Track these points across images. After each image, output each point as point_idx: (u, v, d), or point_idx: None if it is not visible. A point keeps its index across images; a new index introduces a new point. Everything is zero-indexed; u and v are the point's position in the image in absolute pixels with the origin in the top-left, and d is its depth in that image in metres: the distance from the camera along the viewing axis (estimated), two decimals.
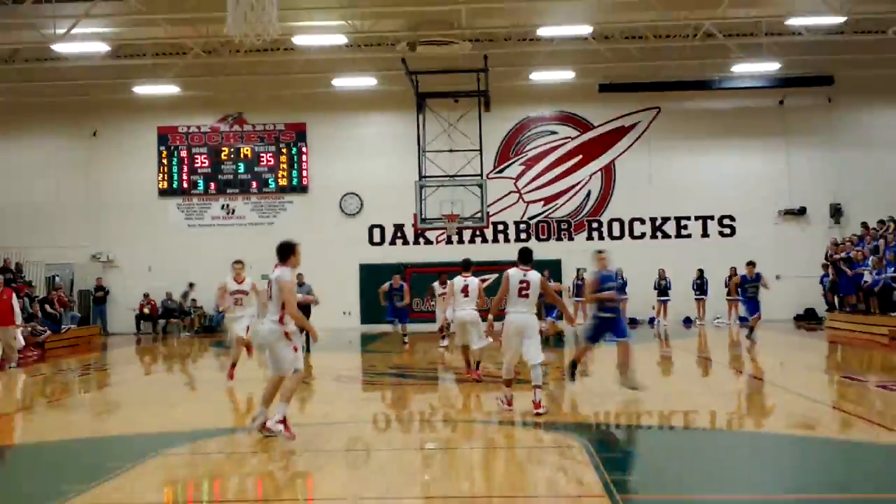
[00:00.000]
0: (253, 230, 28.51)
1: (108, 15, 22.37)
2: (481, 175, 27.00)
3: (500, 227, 28.74)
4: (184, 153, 29.22)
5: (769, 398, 12.14)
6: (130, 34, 23.78)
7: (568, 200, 28.94)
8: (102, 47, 23.94)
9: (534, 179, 29.06)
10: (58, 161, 29.20)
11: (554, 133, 29.19)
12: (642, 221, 28.73)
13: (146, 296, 28.15)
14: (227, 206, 29.19)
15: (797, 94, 28.06)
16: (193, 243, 28.56)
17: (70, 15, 22.03)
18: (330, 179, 28.83)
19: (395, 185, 27.59)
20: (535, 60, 26.33)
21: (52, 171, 29.09)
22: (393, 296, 20.51)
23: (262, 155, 29.16)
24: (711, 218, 28.63)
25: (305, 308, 22.34)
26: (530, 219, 28.91)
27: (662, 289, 27.35)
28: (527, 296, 10.10)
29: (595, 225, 28.85)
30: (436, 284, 19.84)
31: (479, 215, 26.54)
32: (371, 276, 27.12)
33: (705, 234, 28.67)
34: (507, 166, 29.02)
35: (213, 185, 29.18)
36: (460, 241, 28.34)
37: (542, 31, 23.68)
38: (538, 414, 9.78)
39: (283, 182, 29.12)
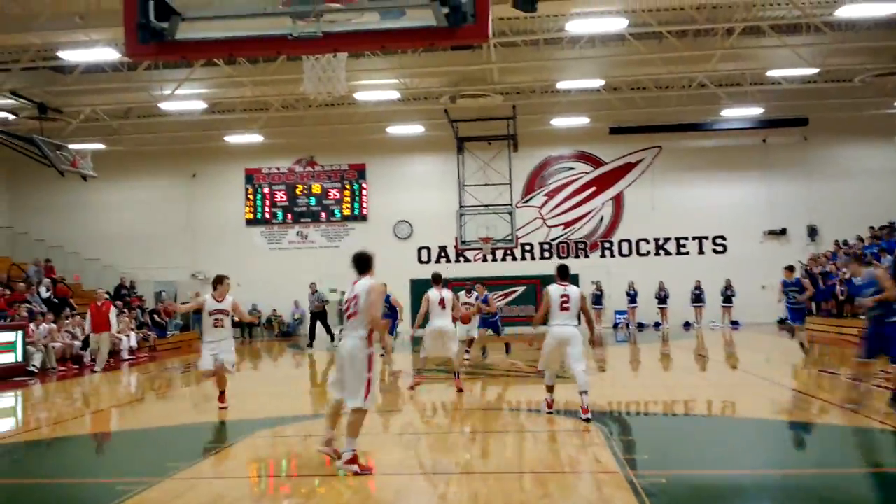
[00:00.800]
0: (322, 252, 28.83)
1: (204, 79, 22.85)
2: (511, 204, 27.11)
3: (527, 247, 28.70)
4: (266, 189, 29.64)
5: (757, 388, 12.03)
6: (223, 94, 24.22)
7: (584, 224, 28.84)
8: (200, 105, 24.43)
9: (555, 207, 29.00)
10: (164, 198, 29.80)
11: (572, 168, 29.14)
12: (647, 241, 28.54)
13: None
14: (301, 232, 29.52)
15: (777, 133, 27.78)
16: (274, 263, 28.92)
17: (174, 79, 22.58)
18: (385, 209, 29.04)
19: (440, 213, 27.72)
20: (556, 109, 26.37)
21: (159, 206, 29.68)
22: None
23: (329, 190, 29.47)
24: (706, 238, 28.36)
25: (321, 313, 22.84)
26: (552, 240, 28.84)
27: (662, 298, 27.22)
28: (568, 308, 9.14)
29: (607, 245, 28.71)
30: (462, 293, 17.98)
31: (509, 238, 26.62)
32: (419, 289, 27.34)
33: (701, 252, 28.39)
34: (533, 196, 29.00)
35: (289, 215, 29.55)
36: (493, 259, 28.38)
37: (561, 85, 23.74)
38: (587, 420, 8.80)
39: (346, 212, 29.39)
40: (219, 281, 10.85)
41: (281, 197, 29.56)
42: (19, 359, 16.60)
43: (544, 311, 9.26)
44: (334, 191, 29.44)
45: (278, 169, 29.61)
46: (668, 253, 28.45)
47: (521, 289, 27.81)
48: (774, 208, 27.77)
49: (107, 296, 20.21)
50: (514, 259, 28.59)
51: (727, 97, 25.10)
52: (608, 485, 6.31)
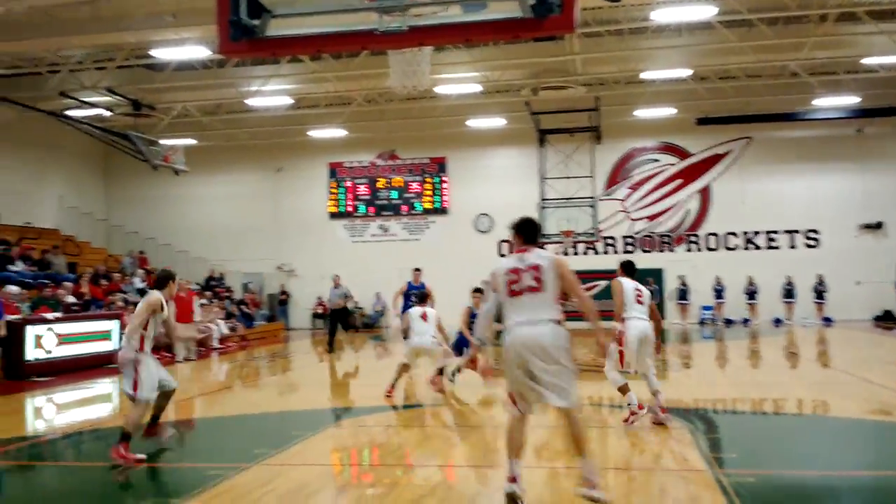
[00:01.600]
0: (403, 245, 29.09)
1: (290, 75, 23.30)
2: (593, 197, 26.78)
3: (610, 240, 28.31)
4: (349, 183, 30.08)
5: (850, 387, 11.59)
6: (307, 89, 24.63)
7: (669, 218, 28.24)
8: (286, 100, 24.93)
9: (639, 200, 28.49)
10: (250, 191, 30.59)
11: (656, 160, 28.56)
12: (735, 235, 27.75)
13: (319, 299, 29.06)
14: (383, 225, 29.86)
15: (874, 123, 26.59)
16: (357, 256, 29.33)
17: (261, 75, 23.11)
18: (466, 203, 29.08)
19: (520, 206, 27.23)
20: (640, 99, 25.87)
21: (246, 199, 30.49)
22: None
23: (410, 183, 29.70)
24: (798, 231, 27.42)
25: (343, 311, 19.65)
26: (636, 234, 28.38)
27: (751, 293, 26.47)
28: (642, 302, 8.52)
29: (693, 238, 28.05)
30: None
31: (591, 231, 26.33)
32: None
33: (792, 246, 27.44)
34: (616, 189, 28.56)
35: (371, 208, 29.91)
36: (575, 253, 28.08)
37: (646, 75, 23.28)
38: (661, 424, 8.33)
39: (427, 205, 29.57)
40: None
41: (363, 190, 29.95)
42: (115, 347, 17.31)
43: (620, 304, 8.46)
44: (415, 184, 29.65)
45: (360, 163, 30.00)
46: (757, 247, 27.61)
47: (603, 283, 27.46)
48: (870, 201, 26.61)
49: (194, 286, 20.84)
50: (597, 253, 28.24)
51: (820, 86, 24.17)
52: (695, 483, 6.20)
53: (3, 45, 18.33)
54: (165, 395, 8.08)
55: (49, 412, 11.67)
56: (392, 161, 29.83)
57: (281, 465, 7.11)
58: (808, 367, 15.27)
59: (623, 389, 8.48)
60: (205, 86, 23.78)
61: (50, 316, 15.85)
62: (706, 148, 28.04)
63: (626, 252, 27.74)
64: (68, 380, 14.22)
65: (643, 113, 26.34)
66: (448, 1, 5.49)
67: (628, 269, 8.98)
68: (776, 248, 27.45)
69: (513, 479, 5.32)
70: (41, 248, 21.72)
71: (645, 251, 27.84)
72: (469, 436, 8.30)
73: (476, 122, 27.25)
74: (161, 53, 19.71)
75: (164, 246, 28.97)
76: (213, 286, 25.89)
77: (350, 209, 29.98)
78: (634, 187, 28.54)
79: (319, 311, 28.99)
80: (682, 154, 28.33)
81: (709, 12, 18.27)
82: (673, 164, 28.40)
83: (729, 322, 26.56)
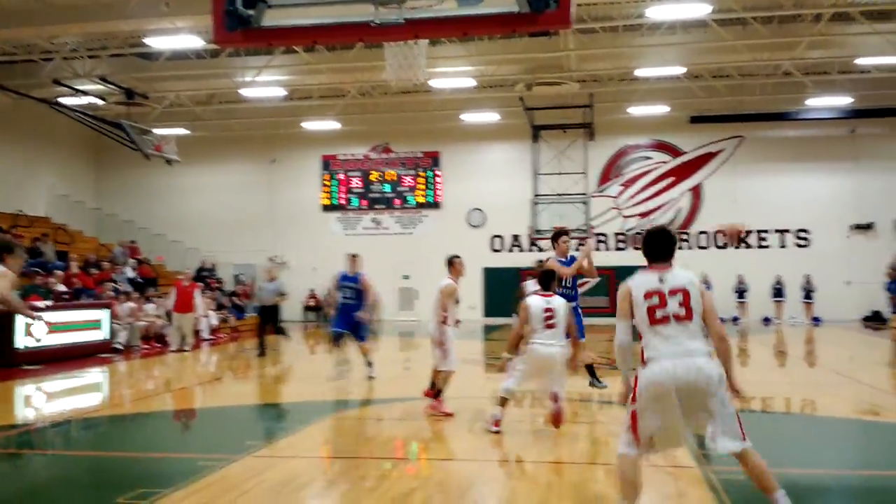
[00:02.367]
0: (396, 238, 29.10)
1: (283, 66, 23.23)
2: (586, 193, 26.80)
3: (602, 237, 28.36)
4: (342, 176, 30.03)
5: (839, 387, 11.65)
6: (301, 81, 24.57)
7: (661, 215, 28.32)
8: (280, 91, 24.86)
9: (631, 197, 28.57)
10: (244, 182, 30.51)
11: (649, 158, 28.63)
12: (726, 233, 27.85)
13: (311, 291, 29.02)
14: (376, 218, 29.83)
15: (867, 123, 26.73)
16: (349, 249, 29.16)
17: (255, 66, 23.03)
18: (459, 197, 29.09)
19: (513, 201, 27.59)
20: (634, 97, 25.91)
21: (239, 190, 30.40)
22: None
23: (403, 177, 29.67)
24: (788, 231, 27.53)
25: (273, 309, 17.15)
26: (628, 230, 28.44)
27: (741, 292, 26.57)
28: (553, 326, 7.78)
29: (684, 236, 28.12)
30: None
31: (583, 227, 26.36)
32: (492, 277, 27.65)
33: (783, 246, 27.57)
34: (608, 186, 28.62)
35: (364, 201, 29.87)
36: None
37: (640, 72, 23.29)
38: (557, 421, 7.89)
39: (420, 199, 29.55)
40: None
41: (356, 183, 29.90)
42: (105, 336, 17.26)
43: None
44: (408, 178, 29.62)
45: (353, 156, 29.95)
46: (748, 246, 27.72)
47: (594, 280, 27.53)
48: (862, 202, 26.73)
49: (193, 277, 20.76)
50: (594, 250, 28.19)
51: (813, 86, 24.25)
52: (683, 479, 6.22)
53: None
54: None
55: (38, 401, 11.63)
56: (385, 154, 29.79)
57: (272, 456, 7.10)
58: (797, 367, 15.35)
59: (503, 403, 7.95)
60: (198, 75, 23.68)
61: (40, 304, 15.76)
62: (699, 146, 28.12)
63: (619, 249, 27.82)
64: (58, 368, 14.16)
65: (636, 110, 26.37)
66: None
67: (544, 281, 8.04)
68: (766, 247, 27.56)
69: None
70: (31, 237, 21.61)
71: (636, 248, 27.88)
72: (459, 430, 8.30)
73: (470, 117, 27.23)
74: (155, 42, 19.63)
75: (158, 236, 28.88)
76: (205, 277, 25.82)
77: (343, 202, 29.94)
78: (627, 184, 28.60)
79: (311, 303, 28.96)
80: (674, 152, 28.40)
81: (703, 10, 18.30)
82: (665, 162, 28.47)
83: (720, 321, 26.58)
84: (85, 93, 22.88)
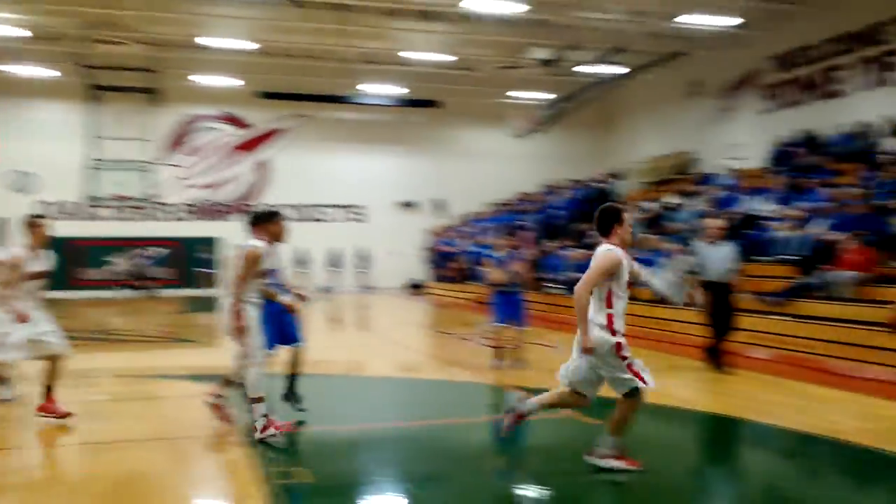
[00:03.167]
0: None
1: None
2: (150, 161, 25.79)
3: (169, 208, 27.45)
4: None
5: (382, 348, 12.92)
6: None
7: (229, 187, 28.36)
8: None
9: (198, 167, 28.12)
10: None
11: (218, 129, 28.43)
12: (293, 207, 28.62)
13: None
14: None
15: (414, 112, 29.81)
16: None
17: None
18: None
19: (67, 165, 25.22)
20: (202, 67, 25.45)
21: None
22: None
23: None
24: (346, 206, 29.59)
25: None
26: (194, 202, 27.93)
27: (302, 263, 27.79)
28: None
29: (250, 209, 28.43)
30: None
31: (148, 196, 25.42)
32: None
33: (342, 220, 29.51)
34: (174, 155, 27.76)
35: None
36: (131, 219, 26.69)
37: (202, 41, 22.97)
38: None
39: None
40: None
41: None
42: None
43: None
44: None
45: None
46: (314, 219, 29.11)
47: (164, 251, 26.70)
48: (407, 182, 29.80)
49: None
50: (156, 220, 27.22)
51: (367, 73, 26.24)
52: (229, 447, 6.49)
53: None
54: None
55: None
56: None
57: None
58: (349, 332, 16.69)
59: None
60: None
61: None
62: (267, 121, 28.74)
63: (184, 220, 27.33)
64: None
65: (203, 80, 26.10)
66: None
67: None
68: (327, 220, 29.30)
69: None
70: None
71: (203, 219, 27.66)
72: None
73: (14, 69, 24.33)
74: None
75: None
76: None
77: None
78: (194, 154, 28.12)
79: None
80: (242, 125, 28.67)
81: None
82: (234, 135, 28.60)
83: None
84: None
